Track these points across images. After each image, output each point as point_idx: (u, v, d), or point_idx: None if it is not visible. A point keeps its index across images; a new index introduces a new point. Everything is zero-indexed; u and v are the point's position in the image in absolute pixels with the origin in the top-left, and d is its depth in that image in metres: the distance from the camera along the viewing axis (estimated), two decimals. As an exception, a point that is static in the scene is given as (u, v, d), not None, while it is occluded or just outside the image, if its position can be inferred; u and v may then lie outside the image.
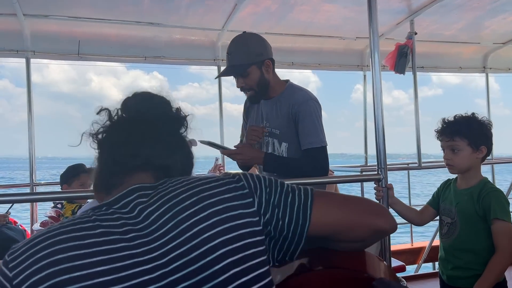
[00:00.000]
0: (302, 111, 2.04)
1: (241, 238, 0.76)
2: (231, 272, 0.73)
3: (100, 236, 0.73)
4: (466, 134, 1.88)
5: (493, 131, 1.96)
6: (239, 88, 2.15)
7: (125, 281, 0.70)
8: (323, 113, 2.13)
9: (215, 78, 2.21)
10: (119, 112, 0.92)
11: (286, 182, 0.90)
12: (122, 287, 0.69)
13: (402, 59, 3.91)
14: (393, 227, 0.92)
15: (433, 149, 2.01)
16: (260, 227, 0.79)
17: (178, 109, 0.96)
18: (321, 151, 2.04)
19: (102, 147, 0.91)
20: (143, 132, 0.89)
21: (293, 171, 2.03)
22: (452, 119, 1.93)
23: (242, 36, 2.14)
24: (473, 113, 1.94)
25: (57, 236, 0.73)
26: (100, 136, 0.91)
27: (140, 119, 0.91)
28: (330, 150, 2.09)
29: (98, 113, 0.92)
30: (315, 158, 2.03)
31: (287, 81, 2.19)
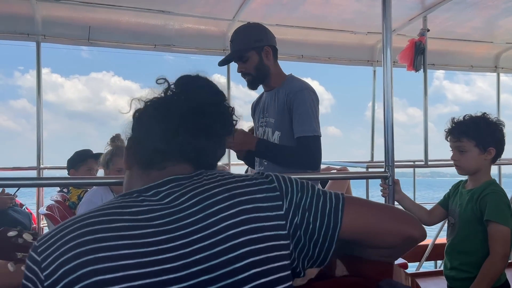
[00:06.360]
0: (297, 99, 2.02)
1: (266, 239, 0.75)
2: (252, 271, 0.73)
3: (127, 221, 0.74)
4: (473, 135, 1.84)
5: (506, 124, 1.91)
6: (240, 74, 2.17)
7: (146, 267, 0.70)
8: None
9: (219, 65, 2.25)
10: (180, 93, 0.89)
11: (296, 177, 0.88)
12: (143, 272, 0.69)
13: (419, 56, 3.87)
14: (423, 236, 0.91)
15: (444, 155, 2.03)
16: (286, 232, 0.78)
17: (231, 107, 0.93)
18: (314, 140, 2.01)
19: (146, 119, 0.89)
20: (196, 122, 0.86)
21: (284, 158, 2.04)
22: (462, 119, 1.90)
23: (245, 25, 2.22)
24: (484, 113, 1.90)
25: (87, 219, 0.75)
26: (150, 107, 0.89)
27: (198, 108, 0.88)
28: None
29: (158, 82, 0.90)
30: (307, 147, 2.00)
31: (289, 74, 2.20)
